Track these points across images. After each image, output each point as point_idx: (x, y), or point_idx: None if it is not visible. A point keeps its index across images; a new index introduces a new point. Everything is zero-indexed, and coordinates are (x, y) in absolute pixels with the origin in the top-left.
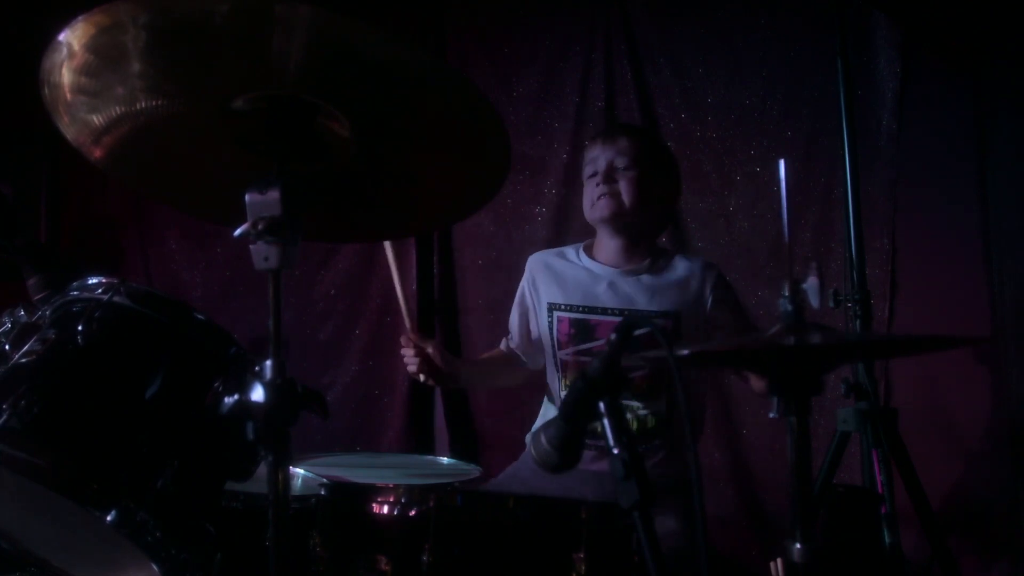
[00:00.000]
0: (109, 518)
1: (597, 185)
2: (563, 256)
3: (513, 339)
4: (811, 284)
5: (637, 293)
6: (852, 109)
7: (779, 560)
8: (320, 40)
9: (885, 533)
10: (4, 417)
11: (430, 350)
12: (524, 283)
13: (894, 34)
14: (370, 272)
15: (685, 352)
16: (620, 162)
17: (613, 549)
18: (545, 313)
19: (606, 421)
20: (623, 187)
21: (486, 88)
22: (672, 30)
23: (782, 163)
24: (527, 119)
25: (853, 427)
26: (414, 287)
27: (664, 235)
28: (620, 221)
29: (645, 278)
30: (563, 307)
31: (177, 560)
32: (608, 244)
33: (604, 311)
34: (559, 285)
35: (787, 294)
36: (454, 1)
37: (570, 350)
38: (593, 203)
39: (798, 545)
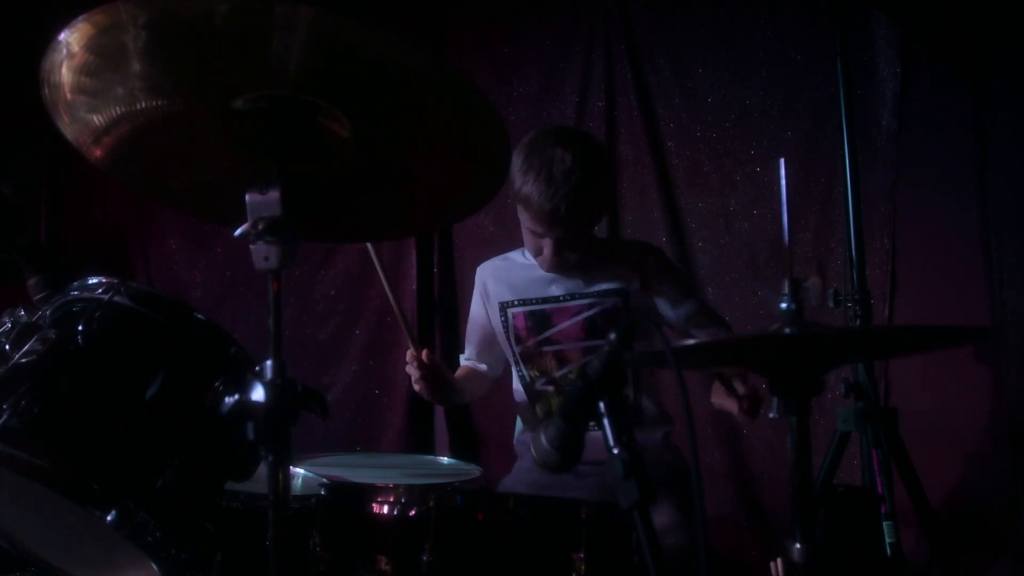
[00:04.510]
0: (109, 518)
1: (545, 260)
2: (508, 259)
3: (469, 352)
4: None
5: (583, 278)
6: (852, 109)
7: (779, 560)
8: (320, 40)
9: (885, 533)
10: (4, 417)
11: (432, 365)
12: (476, 293)
13: (894, 34)
14: (370, 272)
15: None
16: (562, 235)
17: (613, 549)
18: (498, 313)
19: (606, 421)
20: (569, 253)
21: (486, 88)
22: (672, 30)
23: (782, 163)
24: (527, 119)
25: (853, 427)
26: (414, 287)
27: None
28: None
29: (589, 268)
30: (515, 303)
31: (177, 560)
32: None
33: (555, 299)
34: (508, 285)
35: (787, 293)
36: (454, 1)
37: (531, 342)
38: (536, 256)
39: (798, 545)
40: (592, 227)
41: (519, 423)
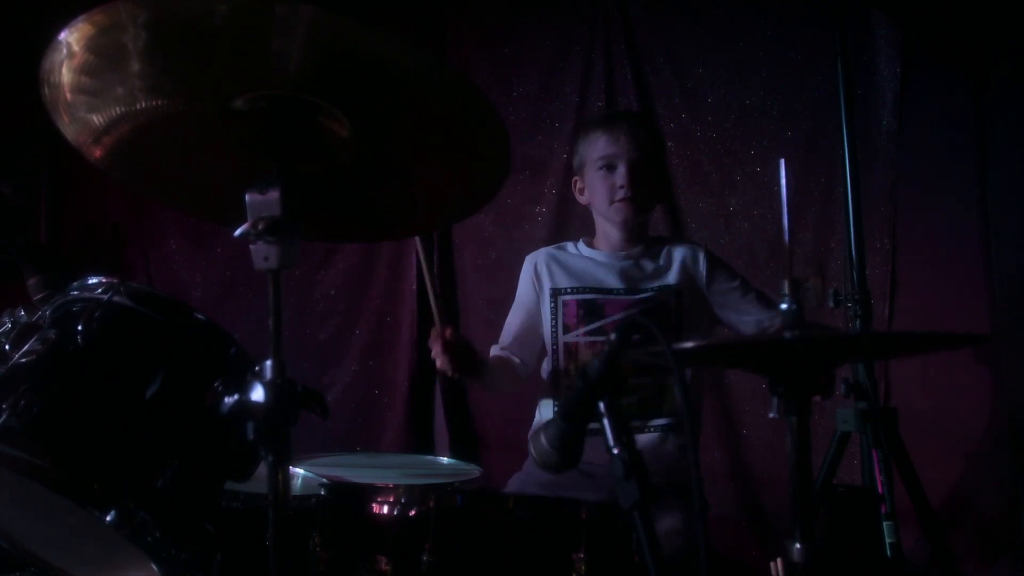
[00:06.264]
0: (109, 518)
1: (620, 187)
2: (564, 249)
3: (504, 340)
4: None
5: (639, 273)
6: (852, 109)
7: (779, 560)
8: (320, 40)
9: (885, 533)
10: (4, 417)
11: (456, 342)
12: (526, 279)
13: (894, 34)
14: (370, 272)
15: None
16: (637, 159)
17: (613, 549)
18: (548, 300)
19: (606, 421)
20: (642, 189)
21: (486, 88)
22: (672, 30)
23: (782, 163)
24: (527, 119)
25: (853, 427)
26: (414, 287)
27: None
28: (637, 219)
29: (644, 261)
30: (568, 291)
31: (177, 560)
32: (611, 233)
33: (610, 291)
34: (565, 272)
35: (787, 294)
36: (454, 1)
37: (579, 331)
38: (612, 201)
39: (798, 545)
40: (655, 189)
41: (538, 416)
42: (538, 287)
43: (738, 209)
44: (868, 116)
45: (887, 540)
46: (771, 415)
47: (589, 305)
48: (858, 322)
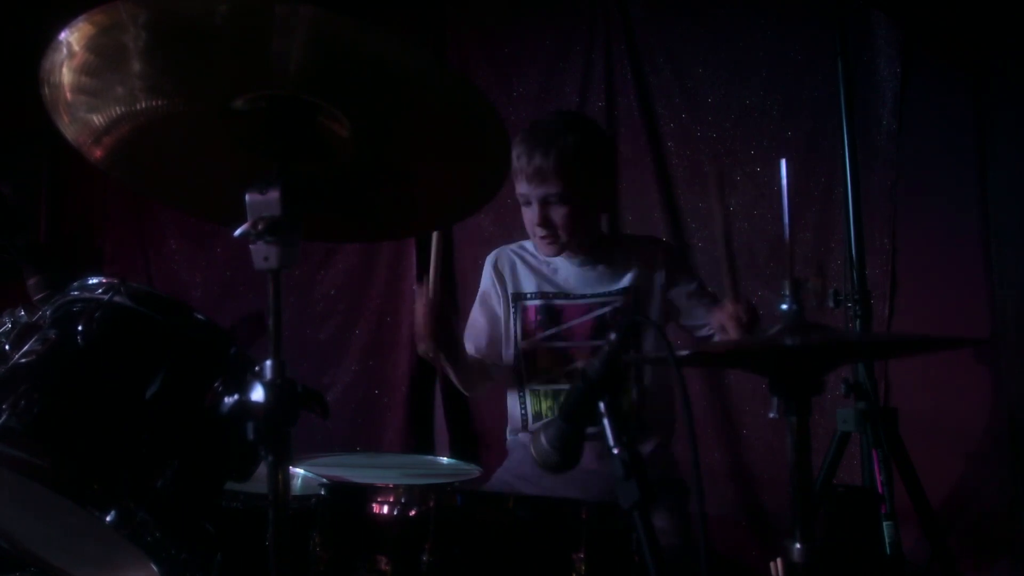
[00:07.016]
0: (109, 518)
1: (537, 225)
2: (524, 249)
3: (472, 344)
4: (812, 285)
5: (595, 276)
6: (852, 109)
7: (779, 560)
8: (320, 40)
9: (885, 533)
10: (4, 417)
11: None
12: (488, 280)
13: (894, 34)
14: (370, 272)
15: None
16: (546, 196)
17: (613, 549)
18: (509, 305)
19: (606, 421)
20: (561, 224)
21: (486, 88)
22: (672, 30)
23: (782, 163)
24: (527, 119)
25: (853, 427)
26: (414, 287)
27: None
28: (562, 251)
29: (601, 264)
30: (529, 295)
31: (177, 560)
32: None
33: (567, 296)
34: (524, 275)
35: (787, 294)
36: (454, 1)
37: (538, 336)
38: (534, 239)
39: (798, 545)
40: (580, 217)
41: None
42: (498, 288)
43: (738, 209)
44: (868, 116)
45: (887, 540)
46: (771, 415)
47: (548, 310)
48: (858, 322)
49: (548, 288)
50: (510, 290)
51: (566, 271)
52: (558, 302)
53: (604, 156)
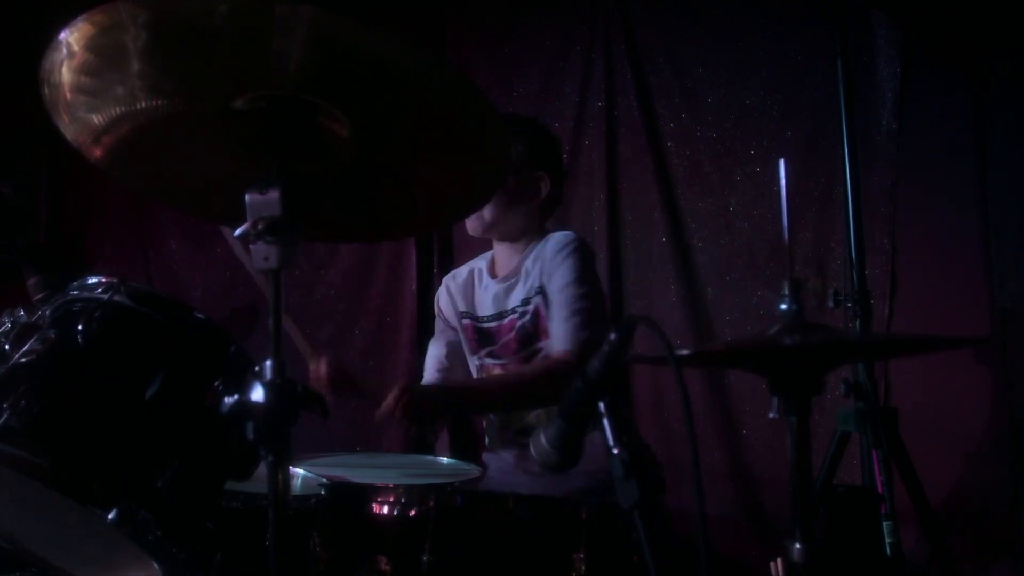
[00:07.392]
0: (110, 517)
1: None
2: (470, 269)
3: (429, 372)
4: (812, 285)
5: (505, 293)
6: (852, 109)
7: (779, 560)
8: (320, 40)
9: (885, 533)
10: (4, 417)
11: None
12: (439, 305)
13: (894, 34)
14: (370, 272)
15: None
16: None
17: (613, 549)
18: (459, 323)
19: (606, 421)
20: (480, 220)
21: (486, 88)
22: (672, 30)
23: (782, 163)
24: None
25: (853, 427)
26: (414, 287)
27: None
28: (492, 233)
29: (512, 279)
30: (466, 315)
31: (177, 559)
32: (497, 249)
33: (495, 316)
34: (463, 296)
35: (787, 294)
36: (454, 1)
37: (479, 354)
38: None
39: (798, 545)
40: (527, 193)
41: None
42: (450, 311)
43: (738, 209)
44: (868, 116)
45: (887, 540)
46: (771, 415)
47: (479, 332)
48: (858, 322)
49: (477, 310)
50: (460, 308)
51: (487, 291)
52: (485, 325)
53: (533, 153)
